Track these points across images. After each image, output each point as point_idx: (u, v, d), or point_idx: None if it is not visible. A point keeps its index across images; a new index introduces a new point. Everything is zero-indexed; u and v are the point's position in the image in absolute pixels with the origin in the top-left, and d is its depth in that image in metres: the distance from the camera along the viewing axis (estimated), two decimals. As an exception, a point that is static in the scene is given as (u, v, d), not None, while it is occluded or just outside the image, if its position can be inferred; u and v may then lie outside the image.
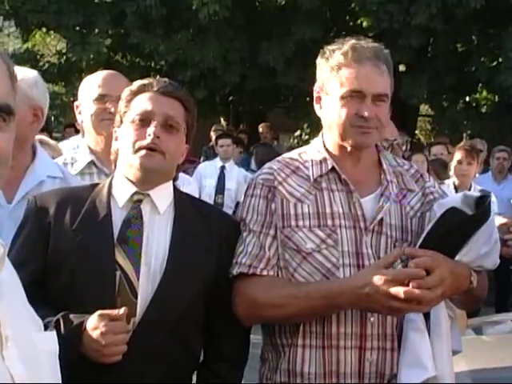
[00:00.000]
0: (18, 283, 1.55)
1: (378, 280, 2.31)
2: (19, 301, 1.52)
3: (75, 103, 3.58)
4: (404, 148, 3.50)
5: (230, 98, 16.90)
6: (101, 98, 3.43)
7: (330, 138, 2.65)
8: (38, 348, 1.48)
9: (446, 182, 6.96)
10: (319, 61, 2.65)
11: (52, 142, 4.79)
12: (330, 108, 2.59)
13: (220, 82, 14.43)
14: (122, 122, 2.58)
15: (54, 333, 1.55)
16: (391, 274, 2.33)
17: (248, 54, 14.03)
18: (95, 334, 2.26)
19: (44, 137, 4.64)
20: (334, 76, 2.58)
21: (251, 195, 2.62)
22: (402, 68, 14.81)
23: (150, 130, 2.49)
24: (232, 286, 2.54)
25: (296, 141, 17.54)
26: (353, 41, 2.61)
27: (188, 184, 4.17)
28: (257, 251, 2.53)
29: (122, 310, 2.27)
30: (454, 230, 2.46)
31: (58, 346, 1.53)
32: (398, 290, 2.28)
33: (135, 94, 2.57)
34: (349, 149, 2.60)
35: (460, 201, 2.51)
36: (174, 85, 2.62)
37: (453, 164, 6.90)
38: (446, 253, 2.42)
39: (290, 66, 13.33)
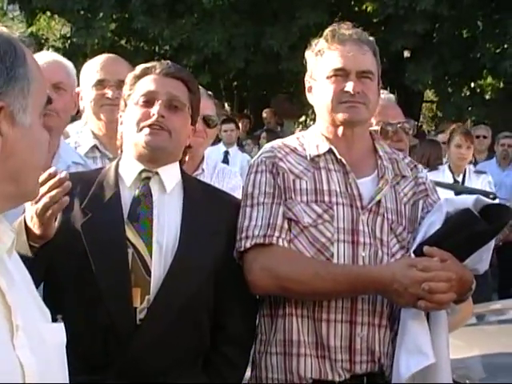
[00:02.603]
0: (25, 272, 1.55)
1: (409, 280, 2.41)
2: (27, 290, 1.51)
3: (76, 89, 3.58)
4: (411, 132, 3.45)
5: (235, 84, 16.89)
6: (99, 84, 3.44)
7: (323, 123, 2.71)
8: (46, 339, 1.47)
9: (440, 167, 6.93)
10: (306, 54, 2.74)
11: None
12: (319, 91, 2.67)
13: (224, 67, 14.41)
14: (126, 105, 2.60)
15: (62, 325, 1.54)
16: (425, 276, 2.41)
17: (252, 39, 14.00)
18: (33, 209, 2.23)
19: None
20: (319, 61, 2.66)
21: (255, 172, 2.66)
22: (406, 54, 14.79)
23: (155, 109, 2.51)
24: (244, 260, 2.56)
25: (300, 127, 17.50)
26: (333, 26, 2.69)
27: (234, 176, 3.90)
28: (270, 221, 2.57)
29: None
30: (473, 239, 2.51)
31: (65, 339, 1.53)
32: (432, 298, 2.39)
33: (138, 77, 2.59)
34: (340, 130, 2.65)
35: (473, 204, 2.55)
36: (177, 66, 2.65)
37: (451, 148, 6.84)
38: (458, 256, 2.49)
39: (294, 51, 13.25)
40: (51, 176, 2.21)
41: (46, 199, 2.21)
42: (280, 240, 2.55)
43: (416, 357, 2.45)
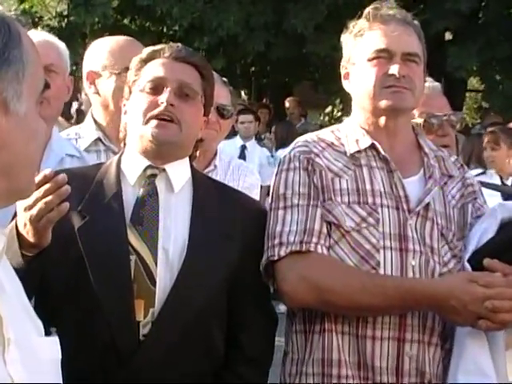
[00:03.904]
0: (17, 281, 1.56)
1: (469, 297, 2.40)
2: (19, 300, 1.52)
3: (87, 71, 3.54)
4: (458, 126, 3.44)
5: (252, 69, 16.89)
6: (125, 72, 3.43)
7: (362, 113, 2.72)
8: (39, 354, 1.48)
9: (488, 172, 6.98)
10: (343, 37, 2.75)
11: (60, 118, 4.82)
12: (358, 76, 2.68)
13: (241, 51, 14.42)
14: (130, 92, 2.62)
15: (57, 339, 1.55)
16: (488, 293, 2.41)
17: (273, 18, 13.99)
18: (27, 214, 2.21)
19: None
20: (358, 43, 2.68)
21: (287, 169, 2.66)
22: (448, 36, 14.71)
23: (163, 97, 2.51)
24: (278, 269, 2.56)
25: (327, 118, 17.49)
26: (374, 4, 2.70)
27: (251, 174, 3.86)
28: (306, 225, 2.57)
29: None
30: None
31: (60, 354, 1.53)
32: (495, 317, 2.38)
33: (145, 61, 2.61)
34: (382, 121, 2.66)
35: None
36: (189, 50, 2.66)
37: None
38: None
39: (320, 32, 13.26)
40: (47, 178, 2.20)
41: (41, 205, 2.19)
42: (319, 246, 2.55)
43: (477, 378, 2.45)
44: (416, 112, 3.14)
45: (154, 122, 2.51)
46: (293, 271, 2.53)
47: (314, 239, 2.55)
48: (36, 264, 2.30)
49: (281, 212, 2.61)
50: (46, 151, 3.12)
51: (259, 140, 11.05)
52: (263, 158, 9.75)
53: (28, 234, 2.26)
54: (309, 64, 15.39)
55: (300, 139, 2.74)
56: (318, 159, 2.64)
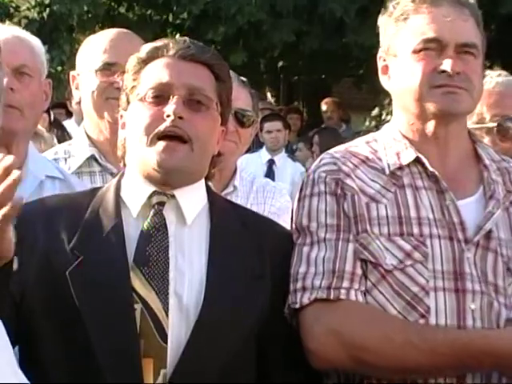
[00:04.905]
0: (5, 341, 1.56)
1: None
2: (4, 361, 1.55)
3: (72, 73, 3.62)
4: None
5: (280, 65, 16.91)
6: (107, 68, 3.48)
7: (404, 118, 2.71)
8: None
9: None
10: (380, 20, 2.75)
11: (46, 133, 4.85)
12: (401, 71, 2.67)
13: (266, 42, 14.45)
14: (128, 102, 2.63)
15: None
16: None
17: (305, 1, 14.03)
18: None
19: (39, 126, 4.70)
20: (400, 29, 2.66)
21: (311, 195, 2.67)
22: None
23: (169, 109, 2.52)
24: (301, 320, 2.56)
25: (373, 123, 17.44)
26: None
27: (280, 195, 3.85)
28: (335, 266, 2.57)
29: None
30: None
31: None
32: None
33: (145, 61, 2.62)
34: (431, 128, 2.64)
35: None
36: (199, 45, 2.66)
37: None
38: None
39: (364, 18, 13.26)
40: None
41: None
42: (352, 292, 2.55)
43: None
44: (487, 114, 3.12)
45: (160, 145, 2.50)
46: (319, 324, 2.52)
47: (346, 283, 2.55)
48: (3, 284, 2.24)
49: (305, 249, 2.62)
50: (22, 173, 3.12)
51: (291, 152, 11.04)
52: (296, 175, 9.70)
53: None
54: (350, 57, 15.37)
55: (326, 155, 2.73)
56: (348, 180, 2.63)
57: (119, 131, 2.68)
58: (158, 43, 2.65)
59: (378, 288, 2.56)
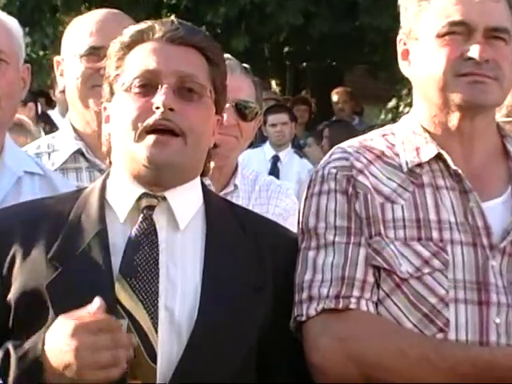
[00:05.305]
0: None
1: None
2: None
3: (56, 59, 3.61)
4: None
5: (286, 50, 16.96)
6: (93, 53, 3.48)
7: (426, 109, 2.70)
8: None
9: None
10: None
11: (33, 127, 4.87)
12: (423, 56, 2.65)
13: (271, 26, 14.49)
14: (112, 92, 2.61)
15: None
16: None
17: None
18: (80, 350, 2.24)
19: (23, 117, 4.70)
20: (423, 10, 2.64)
21: (320, 193, 2.66)
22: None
23: (158, 99, 2.50)
24: (306, 333, 2.55)
25: (390, 116, 17.46)
26: None
27: (285, 196, 3.84)
28: (345, 273, 2.56)
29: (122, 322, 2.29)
30: None
31: None
32: None
33: (129, 46, 2.60)
34: (455, 121, 2.63)
35: None
36: (188, 26, 2.64)
37: None
38: None
39: (379, -2, 13.36)
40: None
41: (107, 354, 2.23)
42: (362, 302, 2.54)
43: None
44: None
45: (149, 139, 2.48)
46: (326, 337, 2.52)
47: (356, 292, 2.55)
48: None
49: (311, 253, 2.61)
50: None
51: (298, 148, 11.05)
52: (303, 173, 9.71)
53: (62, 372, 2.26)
54: (364, 42, 15.43)
55: (338, 148, 2.72)
56: (361, 177, 2.62)
57: (103, 125, 2.66)
58: (143, 25, 2.62)
59: (392, 298, 2.55)
